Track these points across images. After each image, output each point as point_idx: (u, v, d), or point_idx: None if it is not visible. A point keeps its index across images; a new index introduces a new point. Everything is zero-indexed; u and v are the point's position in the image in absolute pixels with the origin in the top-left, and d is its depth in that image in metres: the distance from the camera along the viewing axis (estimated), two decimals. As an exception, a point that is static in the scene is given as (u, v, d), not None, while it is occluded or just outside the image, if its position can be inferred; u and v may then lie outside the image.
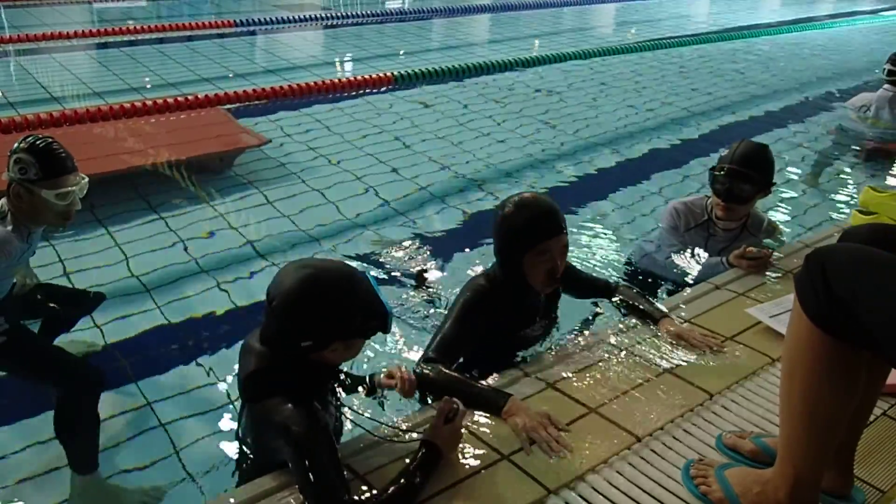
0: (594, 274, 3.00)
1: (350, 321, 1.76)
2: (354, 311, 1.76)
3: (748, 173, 2.94)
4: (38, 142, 2.47)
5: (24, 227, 2.55)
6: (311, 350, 1.76)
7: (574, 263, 2.77)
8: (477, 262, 3.94)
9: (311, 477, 1.61)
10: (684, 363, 2.31)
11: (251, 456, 1.92)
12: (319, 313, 1.72)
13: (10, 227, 2.51)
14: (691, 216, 3.14)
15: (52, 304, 2.93)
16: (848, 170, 5.64)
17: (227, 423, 2.77)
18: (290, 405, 1.70)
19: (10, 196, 2.50)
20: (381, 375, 2.12)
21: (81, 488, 2.49)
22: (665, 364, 2.30)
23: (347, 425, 2.03)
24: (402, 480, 1.71)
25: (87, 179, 2.60)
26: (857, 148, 5.85)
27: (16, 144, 2.47)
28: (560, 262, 2.25)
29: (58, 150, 2.50)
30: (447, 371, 2.11)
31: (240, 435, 1.93)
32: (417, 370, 2.11)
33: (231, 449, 2.59)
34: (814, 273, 1.39)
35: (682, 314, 2.59)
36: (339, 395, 2.05)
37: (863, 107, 6.08)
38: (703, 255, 3.09)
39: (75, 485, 2.49)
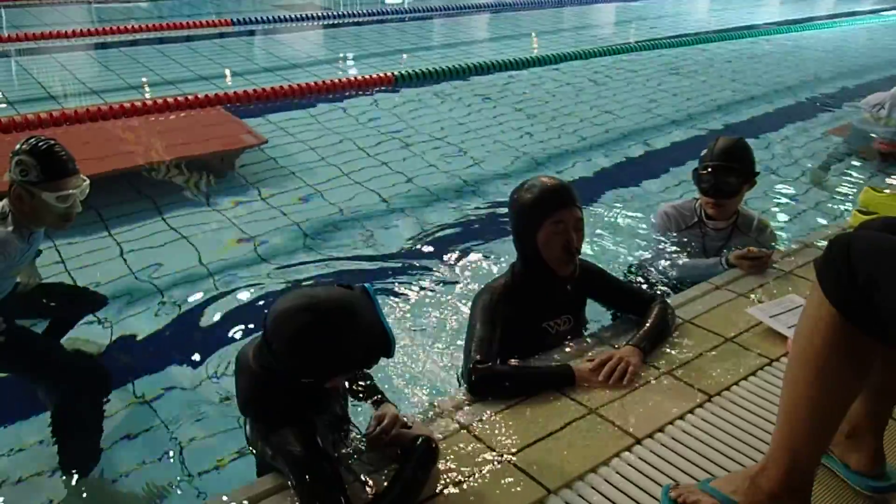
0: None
1: (350, 360, 1.73)
2: (355, 350, 1.70)
3: (731, 166, 2.97)
4: (39, 143, 2.47)
5: (25, 227, 2.56)
6: (311, 384, 1.75)
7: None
8: (479, 262, 3.95)
9: (314, 495, 1.61)
10: (684, 364, 2.31)
11: (257, 457, 1.92)
12: (320, 359, 1.68)
13: (10, 228, 2.51)
14: (681, 219, 3.15)
15: (53, 303, 2.92)
16: (848, 170, 5.64)
17: (229, 424, 2.77)
18: (287, 426, 1.69)
19: (11, 197, 2.50)
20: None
21: (78, 490, 2.49)
22: (665, 365, 2.30)
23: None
24: (404, 478, 1.70)
25: (88, 182, 2.59)
26: (871, 147, 5.83)
27: (17, 146, 2.47)
28: (576, 236, 2.26)
29: (59, 152, 2.50)
30: (504, 367, 2.16)
31: (247, 437, 1.93)
32: (475, 377, 2.12)
33: (231, 450, 2.61)
34: (838, 257, 1.38)
35: (683, 315, 2.58)
36: (344, 396, 2.04)
37: (877, 105, 6.05)
38: (700, 256, 3.10)
39: (71, 486, 2.49)
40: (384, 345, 1.73)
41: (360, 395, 2.07)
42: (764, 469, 1.57)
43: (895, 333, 1.33)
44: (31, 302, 2.83)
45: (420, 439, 1.78)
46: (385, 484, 1.74)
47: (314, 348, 1.66)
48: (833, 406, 1.47)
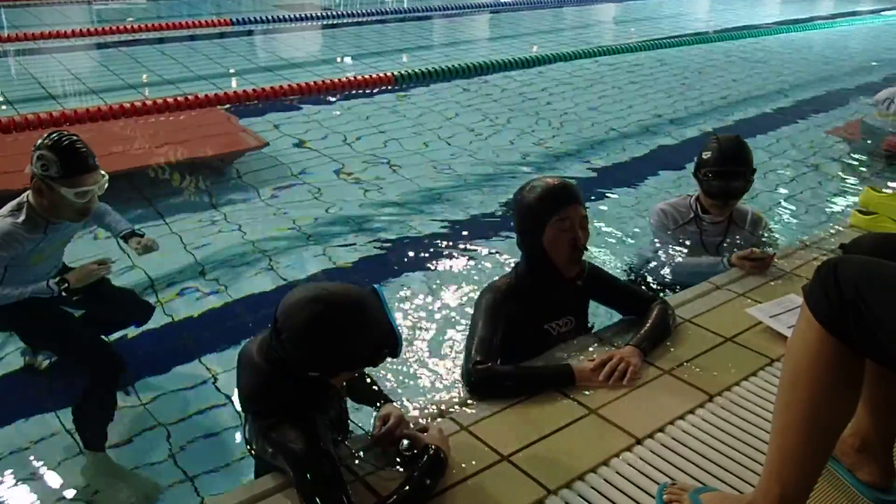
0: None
1: (359, 355, 1.75)
2: (364, 346, 1.73)
3: (738, 170, 3.00)
4: (62, 140, 2.55)
5: (41, 218, 2.64)
6: (318, 378, 1.76)
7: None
8: (480, 262, 3.95)
9: (314, 493, 1.61)
10: (684, 364, 2.31)
11: (255, 457, 1.92)
12: (329, 351, 1.70)
13: (20, 219, 2.60)
14: (678, 215, 3.17)
15: (105, 301, 2.98)
16: (848, 170, 5.64)
17: (228, 423, 2.78)
18: (288, 423, 1.70)
19: (32, 189, 2.60)
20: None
21: (94, 465, 2.59)
22: (665, 365, 2.30)
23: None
24: (411, 486, 1.70)
25: (107, 177, 2.68)
26: (879, 148, 5.84)
27: (40, 140, 2.56)
28: (582, 234, 2.26)
29: (80, 149, 2.58)
30: (504, 367, 2.16)
31: (246, 437, 1.93)
32: (475, 377, 2.12)
33: (231, 449, 2.61)
34: (826, 279, 1.41)
35: (683, 315, 2.58)
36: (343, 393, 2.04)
37: (886, 100, 6.05)
38: (698, 251, 3.11)
39: (89, 462, 2.60)
40: (392, 343, 1.76)
41: (362, 397, 2.08)
42: (754, 502, 1.56)
43: (883, 344, 1.35)
44: (86, 293, 2.90)
45: (431, 448, 1.78)
46: (389, 487, 1.74)
47: (324, 339, 1.67)
48: (825, 428, 1.47)
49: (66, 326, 2.81)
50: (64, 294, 2.67)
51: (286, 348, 1.70)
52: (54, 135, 2.57)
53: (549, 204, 2.24)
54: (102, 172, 2.66)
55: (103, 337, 3.00)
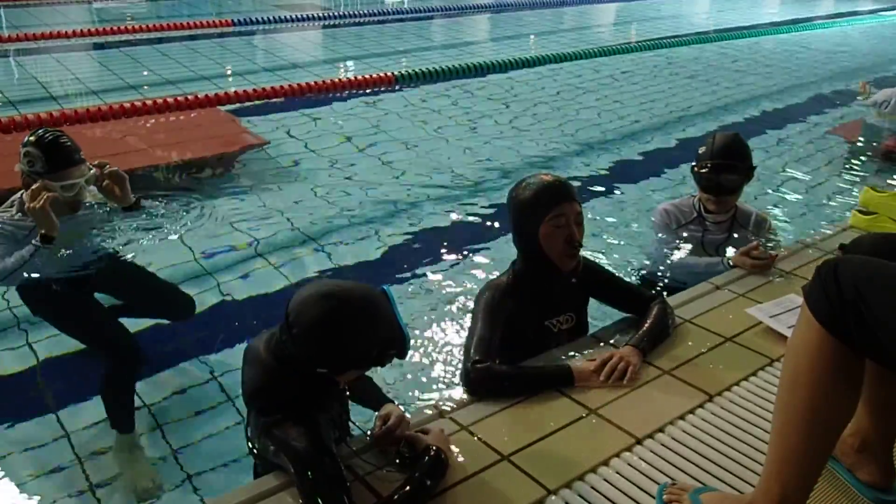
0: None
1: (368, 354, 1.76)
2: (374, 345, 1.74)
3: (732, 164, 3.00)
4: (46, 135, 2.60)
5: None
6: (325, 375, 1.76)
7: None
8: (480, 261, 3.95)
9: (315, 492, 1.61)
10: (684, 364, 2.31)
11: (256, 455, 1.92)
12: (340, 348, 1.70)
13: (9, 214, 2.66)
14: (681, 215, 3.18)
15: (141, 292, 3.06)
16: (848, 170, 5.64)
17: (228, 422, 2.78)
18: (291, 421, 1.70)
19: (23, 185, 2.65)
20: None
21: (118, 445, 2.66)
22: (665, 365, 2.30)
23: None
24: (412, 486, 1.70)
25: (93, 171, 2.72)
26: (877, 147, 5.85)
27: (26, 138, 2.61)
28: (577, 230, 2.27)
29: (64, 143, 2.62)
30: (503, 367, 2.16)
31: (247, 434, 1.93)
32: (474, 376, 2.12)
33: (231, 449, 2.61)
34: (826, 279, 1.41)
35: (683, 315, 2.58)
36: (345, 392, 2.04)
37: (884, 102, 6.07)
38: (700, 251, 3.11)
39: (116, 441, 2.68)
40: (400, 344, 1.77)
41: (363, 397, 2.08)
42: (753, 502, 1.56)
43: (883, 344, 1.35)
44: (118, 280, 2.97)
45: (432, 449, 1.78)
46: (389, 487, 1.74)
47: (335, 335, 1.68)
48: (825, 428, 1.48)
49: (89, 315, 2.85)
50: (44, 241, 2.60)
51: (297, 342, 1.70)
52: (39, 131, 2.63)
53: (544, 202, 2.24)
54: (89, 166, 2.71)
55: (128, 329, 3.01)
